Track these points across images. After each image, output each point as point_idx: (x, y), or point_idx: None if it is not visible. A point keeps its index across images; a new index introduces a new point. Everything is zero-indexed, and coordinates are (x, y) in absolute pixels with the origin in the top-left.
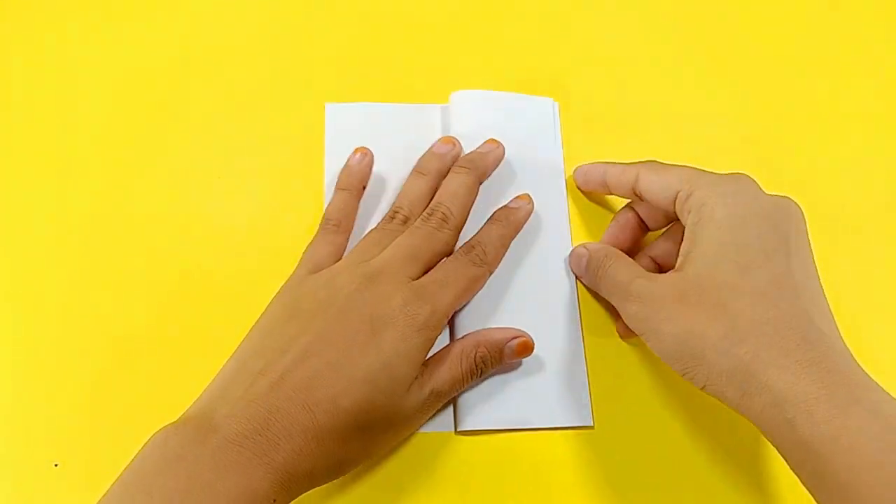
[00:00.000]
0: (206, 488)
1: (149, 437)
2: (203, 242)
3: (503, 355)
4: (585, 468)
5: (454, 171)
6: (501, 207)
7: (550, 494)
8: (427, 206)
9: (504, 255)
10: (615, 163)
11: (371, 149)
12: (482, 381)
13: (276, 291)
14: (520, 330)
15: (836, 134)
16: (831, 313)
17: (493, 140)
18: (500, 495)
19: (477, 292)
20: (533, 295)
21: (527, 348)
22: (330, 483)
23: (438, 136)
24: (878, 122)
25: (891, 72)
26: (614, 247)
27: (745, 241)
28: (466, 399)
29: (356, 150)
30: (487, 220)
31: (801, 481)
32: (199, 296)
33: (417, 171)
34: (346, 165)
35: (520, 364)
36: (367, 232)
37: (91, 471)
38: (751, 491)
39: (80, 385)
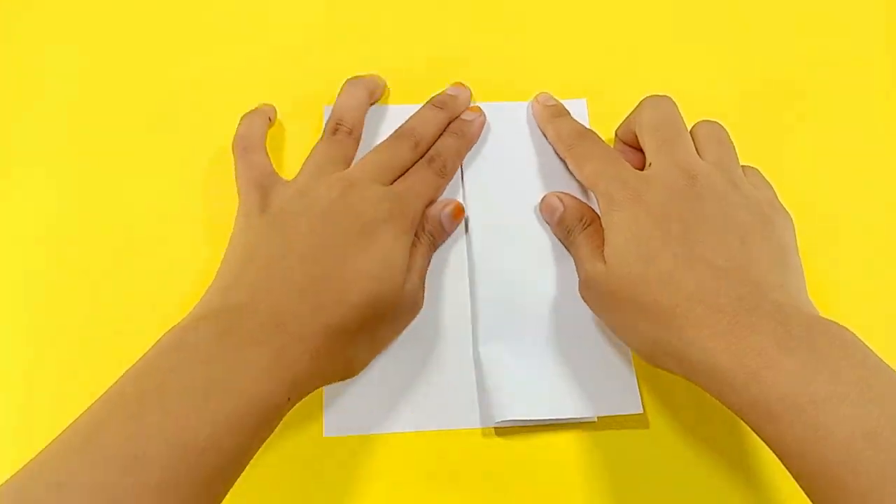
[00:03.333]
0: (224, 385)
1: (160, 336)
2: (203, 244)
3: (443, 226)
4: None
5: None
6: (457, 120)
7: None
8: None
9: (459, 166)
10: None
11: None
12: (520, 368)
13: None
14: (449, 199)
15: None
16: (761, 267)
17: (475, 108)
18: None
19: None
20: (567, 291)
21: (460, 211)
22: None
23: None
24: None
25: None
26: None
27: (644, 232)
28: (505, 387)
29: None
30: (444, 132)
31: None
32: (199, 297)
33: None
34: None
35: (561, 352)
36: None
37: None
38: None
39: (81, 386)
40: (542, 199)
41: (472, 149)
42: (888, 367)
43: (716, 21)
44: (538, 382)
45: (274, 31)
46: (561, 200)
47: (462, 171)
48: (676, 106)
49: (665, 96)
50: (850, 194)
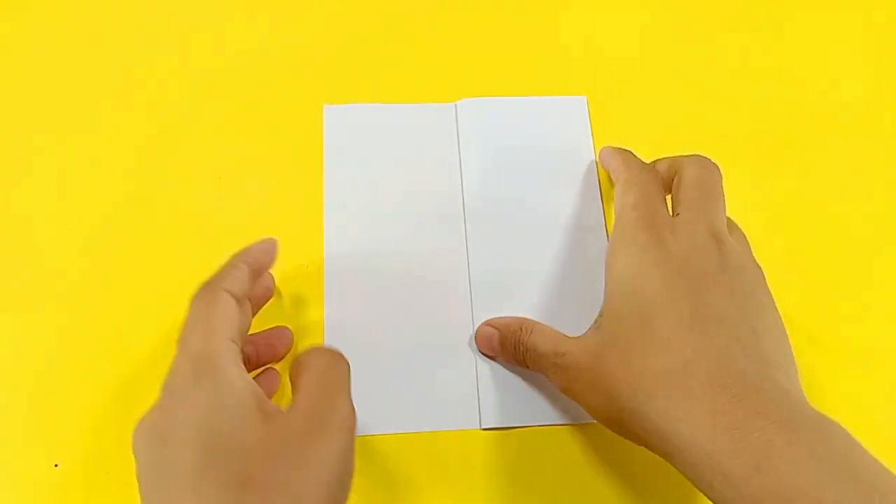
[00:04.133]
0: None
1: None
2: (203, 243)
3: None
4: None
5: None
6: None
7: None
8: None
9: None
10: (626, 158)
11: (369, 150)
12: (509, 374)
13: None
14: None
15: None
16: (767, 346)
17: None
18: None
19: None
20: (568, 292)
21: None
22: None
23: (440, 135)
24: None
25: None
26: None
27: (648, 287)
28: (494, 396)
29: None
30: None
31: None
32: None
33: None
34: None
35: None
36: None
37: (91, 471)
38: None
39: (80, 385)
40: (476, 333)
41: (470, 146)
42: (880, 463)
43: (716, 21)
44: (525, 390)
45: (274, 29)
46: (491, 325)
47: (460, 169)
48: (721, 173)
49: (711, 161)
50: (850, 200)
